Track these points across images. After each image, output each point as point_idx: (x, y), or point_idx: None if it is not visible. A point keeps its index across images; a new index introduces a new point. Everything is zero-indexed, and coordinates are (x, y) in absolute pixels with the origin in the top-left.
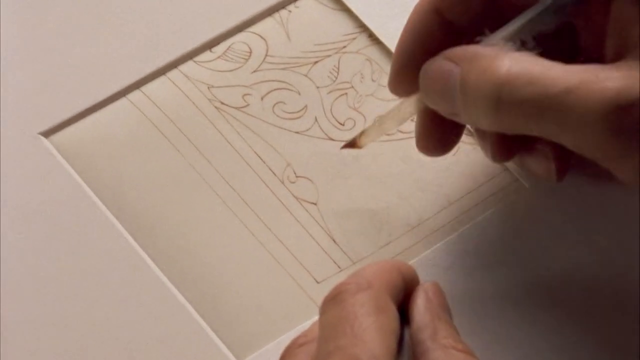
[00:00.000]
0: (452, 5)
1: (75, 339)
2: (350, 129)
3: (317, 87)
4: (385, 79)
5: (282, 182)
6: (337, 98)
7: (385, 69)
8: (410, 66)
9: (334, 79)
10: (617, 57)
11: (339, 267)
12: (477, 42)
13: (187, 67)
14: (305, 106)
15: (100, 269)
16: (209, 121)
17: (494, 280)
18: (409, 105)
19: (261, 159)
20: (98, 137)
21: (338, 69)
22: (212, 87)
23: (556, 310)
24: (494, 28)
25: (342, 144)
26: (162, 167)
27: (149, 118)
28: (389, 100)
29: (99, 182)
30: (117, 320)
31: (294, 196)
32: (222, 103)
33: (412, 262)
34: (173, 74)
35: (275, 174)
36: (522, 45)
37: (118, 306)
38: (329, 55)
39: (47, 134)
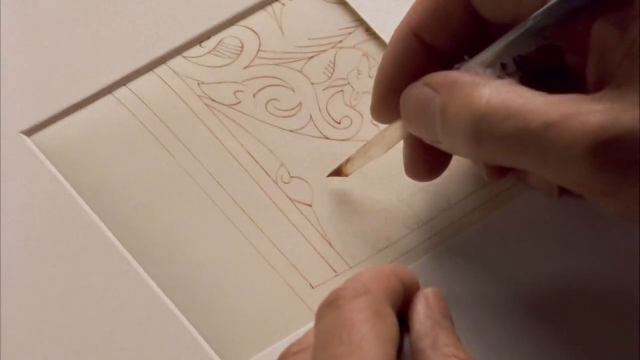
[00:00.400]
0: (429, 29)
1: (58, 346)
2: (347, 127)
3: (312, 84)
4: None
5: (276, 183)
6: (332, 95)
7: None
8: (393, 92)
9: (330, 75)
10: (598, 85)
11: (335, 271)
12: (457, 69)
13: (176, 62)
14: (300, 103)
15: (85, 274)
16: (198, 119)
17: (498, 286)
18: (395, 131)
19: (254, 159)
20: (82, 136)
21: (334, 64)
22: (202, 83)
23: (565, 318)
24: (476, 49)
25: (338, 143)
26: (149, 167)
27: (136, 116)
28: None
29: (84, 183)
30: (103, 327)
31: (288, 197)
32: (213, 100)
33: (411, 267)
34: (161, 69)
35: (268, 174)
36: (503, 68)
37: (104, 313)
38: (324, 50)
39: (29, 132)
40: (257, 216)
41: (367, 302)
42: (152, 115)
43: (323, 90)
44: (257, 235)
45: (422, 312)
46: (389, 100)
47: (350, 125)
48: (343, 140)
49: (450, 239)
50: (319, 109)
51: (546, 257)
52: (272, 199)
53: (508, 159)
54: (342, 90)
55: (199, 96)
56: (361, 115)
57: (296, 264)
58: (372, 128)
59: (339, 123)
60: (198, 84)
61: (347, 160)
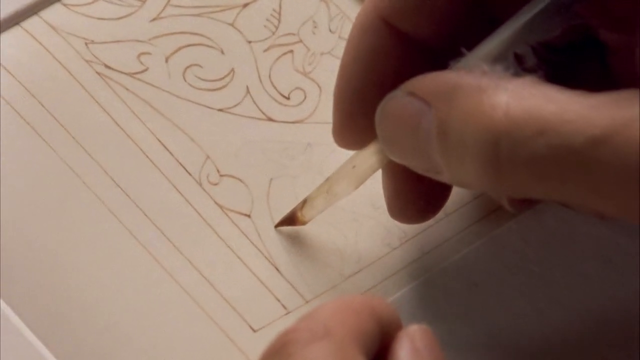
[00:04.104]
0: (405, 12)
1: None
2: (299, 103)
3: (249, 42)
4: (349, 27)
5: (200, 184)
6: (278, 58)
7: (349, 13)
8: (362, 105)
9: (274, 29)
10: None
11: (285, 308)
12: (453, 68)
13: (54, 12)
14: (232, 70)
15: None
16: (87, 94)
17: (508, 324)
18: (369, 158)
19: (168, 150)
20: None
21: (279, 14)
22: (92, 43)
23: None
24: (475, 37)
25: (287, 126)
26: (18, 163)
27: None
28: None
29: None
30: None
31: (218, 204)
32: (108, 67)
33: (391, 299)
34: (32, 23)
35: (189, 173)
36: (519, 63)
37: None
38: None
39: None
40: (174, 232)
41: (328, 348)
42: (19, 89)
43: (264, 51)
44: (174, 259)
45: (406, 358)
46: (358, 117)
47: (303, 100)
48: (294, 122)
49: (444, 262)
50: (259, 79)
51: (577, 285)
52: (194, 207)
53: (541, 190)
54: (291, 51)
55: (87, 61)
56: (319, 86)
57: (230, 299)
58: None
59: (288, 98)
60: (86, 44)
61: (304, 202)
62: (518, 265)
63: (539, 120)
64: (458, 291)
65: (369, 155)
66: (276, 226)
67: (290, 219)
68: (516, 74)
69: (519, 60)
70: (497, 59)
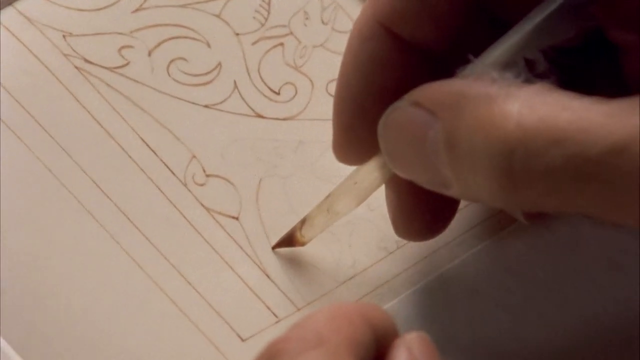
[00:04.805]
0: (406, 17)
1: None
2: (290, 99)
3: (237, 35)
4: (343, 19)
5: (185, 185)
6: (268, 51)
7: (342, 4)
8: (363, 117)
9: (263, 21)
10: None
11: (275, 316)
12: (459, 76)
13: (29, 3)
14: (219, 65)
15: None
16: (66, 90)
17: (511, 332)
18: (371, 173)
19: (151, 149)
20: None
21: (269, 4)
22: (71, 35)
23: None
24: (481, 43)
25: (277, 123)
26: None
27: None
28: None
29: None
30: None
31: (204, 206)
32: (87, 61)
33: (387, 306)
34: (6, 14)
35: (173, 173)
36: (530, 69)
37: None
38: None
39: None
40: (158, 236)
41: (321, 358)
42: None
43: (253, 44)
44: (158, 265)
45: None
46: (359, 130)
47: (294, 96)
48: (285, 119)
49: (443, 267)
50: (248, 73)
51: (583, 289)
52: (179, 210)
53: (557, 202)
54: (281, 44)
55: (65, 55)
56: (311, 80)
57: (217, 306)
58: (327, 102)
59: (278, 93)
60: (64, 37)
61: (303, 222)
62: (521, 270)
63: (553, 129)
64: (458, 298)
65: (372, 170)
66: (274, 248)
67: (289, 240)
68: (527, 81)
69: (529, 65)
70: (507, 65)
